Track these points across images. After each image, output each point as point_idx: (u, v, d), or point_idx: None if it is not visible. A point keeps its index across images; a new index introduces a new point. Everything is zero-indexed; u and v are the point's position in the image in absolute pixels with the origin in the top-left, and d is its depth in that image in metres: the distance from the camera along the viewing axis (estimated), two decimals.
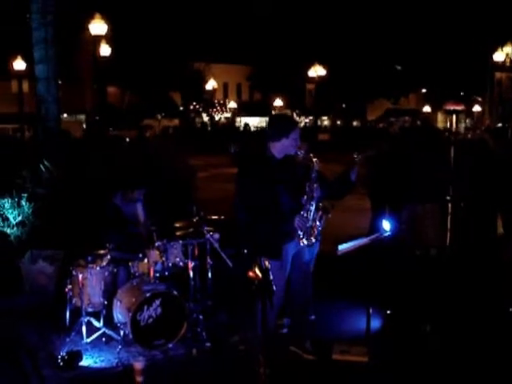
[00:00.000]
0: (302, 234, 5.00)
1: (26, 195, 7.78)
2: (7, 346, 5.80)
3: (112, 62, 25.95)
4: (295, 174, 5.09)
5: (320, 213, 5.07)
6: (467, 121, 54.51)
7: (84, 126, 36.97)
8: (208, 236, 5.97)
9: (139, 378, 4.93)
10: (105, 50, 19.86)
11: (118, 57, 30.14)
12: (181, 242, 6.03)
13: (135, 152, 10.08)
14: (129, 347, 5.54)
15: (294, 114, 58.70)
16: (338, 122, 57.18)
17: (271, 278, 3.62)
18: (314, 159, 5.02)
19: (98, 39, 18.58)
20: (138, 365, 4.97)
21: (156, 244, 5.91)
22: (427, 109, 51.93)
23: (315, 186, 5.02)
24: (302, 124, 57.11)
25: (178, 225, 6.19)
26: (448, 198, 8.83)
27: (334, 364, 5.32)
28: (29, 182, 7.91)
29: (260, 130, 42.56)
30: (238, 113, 56.47)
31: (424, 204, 8.93)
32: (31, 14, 9.41)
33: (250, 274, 3.56)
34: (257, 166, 5.10)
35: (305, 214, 4.99)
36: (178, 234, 6.13)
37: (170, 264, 5.97)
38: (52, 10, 9.38)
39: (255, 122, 54.23)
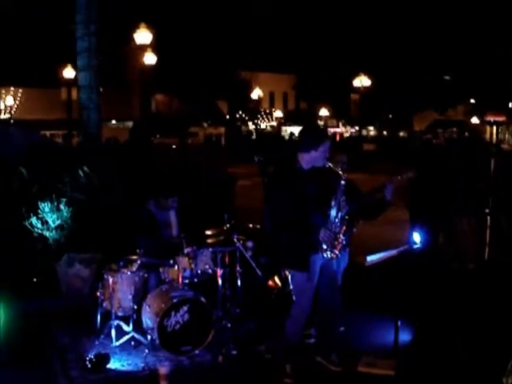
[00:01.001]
0: (326, 246, 4.97)
1: (64, 200, 7.96)
2: (38, 345, 5.95)
3: (159, 70, 26.38)
4: (322, 186, 5.07)
5: (345, 226, 5.04)
6: None
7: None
8: (238, 244, 6.01)
9: (163, 383, 5.01)
10: (150, 58, 20.18)
11: (164, 65, 30.62)
12: (210, 249, 6.07)
13: (173, 159, 10.23)
14: (156, 352, 5.61)
15: (340, 124, 58.60)
16: (385, 133, 56.64)
17: (291, 287, 3.65)
18: (341, 172, 4.99)
19: (143, 48, 18.91)
20: (164, 370, 5.06)
21: (185, 251, 5.97)
22: (475, 120, 50.96)
23: (342, 199, 4.99)
24: (348, 134, 56.87)
25: (209, 232, 6.26)
26: (487, 210, 8.67)
27: (360, 376, 5.27)
28: (68, 187, 8.08)
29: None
30: (283, 122, 56.52)
31: (463, 217, 8.81)
32: (76, 25, 9.67)
33: (270, 283, 3.59)
34: (285, 177, 5.11)
35: (330, 227, 4.96)
36: (208, 241, 6.20)
37: (199, 271, 6.03)
38: (95, 20, 9.64)
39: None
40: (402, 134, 55.31)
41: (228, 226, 6.09)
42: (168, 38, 32.23)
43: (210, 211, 7.76)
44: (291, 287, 4.41)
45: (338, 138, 56.84)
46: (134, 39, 18.62)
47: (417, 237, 5.58)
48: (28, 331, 6.30)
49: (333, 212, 4.97)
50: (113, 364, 5.44)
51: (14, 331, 6.13)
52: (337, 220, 4.98)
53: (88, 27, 9.55)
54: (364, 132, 56.36)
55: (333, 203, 4.98)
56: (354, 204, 5.40)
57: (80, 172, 8.19)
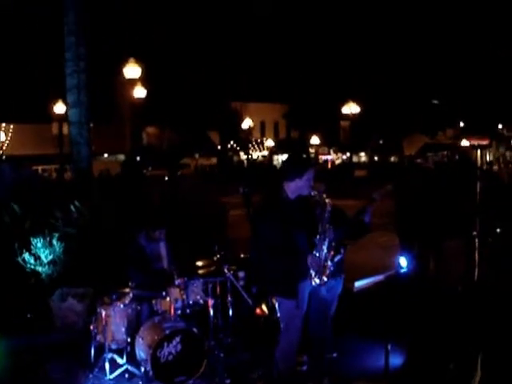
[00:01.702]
0: (314, 273, 5.05)
1: (57, 235, 8.04)
2: (32, 380, 5.98)
3: (149, 103, 26.61)
4: (309, 214, 5.17)
5: (332, 252, 5.12)
6: (507, 154, 53.86)
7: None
8: (228, 274, 6.09)
9: None
10: (140, 92, 20.42)
11: (155, 97, 30.89)
12: (201, 280, 6.15)
13: (164, 191, 10.34)
14: (151, 383, 5.64)
15: (331, 151, 58.98)
16: (376, 158, 57.05)
17: (278, 315, 3.72)
18: (327, 200, 5.09)
19: (132, 82, 19.15)
20: None
21: (176, 282, 6.04)
22: (465, 143, 51.48)
23: (327, 226, 5.08)
24: (339, 161, 57.19)
25: (199, 263, 6.35)
26: (474, 233, 8.78)
27: None
28: (60, 222, 8.17)
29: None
30: (275, 151, 56.86)
31: (451, 239, 8.92)
32: (65, 62, 9.84)
33: (257, 311, 3.66)
34: (271, 207, 5.21)
35: (317, 254, 5.04)
36: (199, 272, 6.29)
37: (191, 302, 6.11)
38: (84, 57, 9.81)
39: None
40: (392, 159, 55.73)
41: (218, 256, 6.17)
42: (158, 71, 32.61)
43: (201, 242, 7.83)
44: (278, 315, 4.48)
45: (329, 165, 57.17)
46: (123, 74, 18.89)
47: (403, 261, 5.67)
48: (21, 367, 6.33)
49: (320, 239, 5.06)
50: None
51: (7, 367, 6.18)
52: (324, 247, 5.06)
53: (77, 65, 9.73)
54: (355, 158, 56.75)
55: (319, 230, 5.07)
56: (342, 230, 5.51)
57: (72, 207, 8.27)
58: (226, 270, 6.07)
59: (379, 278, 5.49)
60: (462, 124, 51.83)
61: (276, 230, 5.03)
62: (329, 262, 5.07)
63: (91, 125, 10.56)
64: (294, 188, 5.16)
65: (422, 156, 50.98)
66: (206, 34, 38.46)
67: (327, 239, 5.07)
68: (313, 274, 5.02)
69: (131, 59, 18.45)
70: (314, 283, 5.07)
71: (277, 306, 4.72)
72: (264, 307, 3.94)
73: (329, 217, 5.09)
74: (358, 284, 5.35)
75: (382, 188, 5.97)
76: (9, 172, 10.19)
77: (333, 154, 58.75)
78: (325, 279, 5.06)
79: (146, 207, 8.55)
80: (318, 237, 5.05)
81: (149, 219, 7.00)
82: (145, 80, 21.85)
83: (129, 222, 7.59)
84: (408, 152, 55.15)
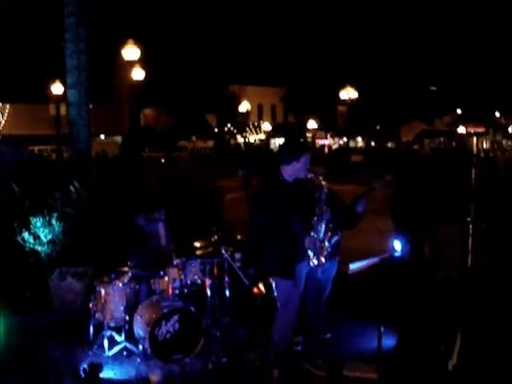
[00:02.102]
0: (312, 254, 5.16)
1: (56, 215, 8.11)
2: (33, 357, 6.08)
3: (148, 85, 26.55)
4: (306, 196, 5.27)
5: (329, 234, 5.23)
6: (503, 142, 53.92)
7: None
8: (226, 255, 6.20)
9: None
10: (138, 73, 20.39)
11: (153, 79, 30.82)
12: (199, 260, 6.26)
13: (161, 173, 10.39)
14: (148, 361, 5.76)
15: (328, 136, 58.99)
16: (373, 144, 57.10)
17: (275, 294, 3.83)
18: (323, 182, 5.19)
19: (131, 64, 19.13)
20: (155, 377, 5.23)
21: (174, 262, 6.15)
22: (462, 130, 51.56)
23: (324, 208, 5.19)
24: (336, 145, 57.20)
25: (197, 244, 6.45)
26: (469, 219, 8.88)
27: (345, 380, 5.44)
28: (59, 202, 8.24)
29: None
30: (272, 135, 56.87)
31: (446, 226, 9.01)
32: (65, 43, 9.86)
33: (255, 290, 3.76)
34: (268, 190, 5.31)
35: (314, 235, 5.15)
36: (197, 252, 6.39)
37: (189, 281, 6.21)
38: (84, 38, 9.83)
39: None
40: (389, 144, 55.80)
41: (216, 237, 6.28)
42: (156, 53, 32.51)
43: (199, 223, 7.92)
44: (275, 294, 4.59)
45: (326, 149, 57.19)
46: (122, 55, 18.87)
47: (397, 244, 5.78)
48: (21, 345, 6.42)
49: (317, 220, 5.16)
50: (106, 373, 5.59)
51: (7, 345, 6.28)
52: (321, 228, 5.17)
53: (77, 45, 9.76)
54: (352, 143, 56.76)
55: (316, 212, 5.17)
56: (339, 215, 5.61)
57: (71, 187, 8.34)
58: (223, 251, 6.19)
59: (373, 260, 5.60)
60: (459, 111, 51.85)
61: (274, 213, 5.13)
62: (326, 243, 5.17)
63: (90, 106, 10.59)
64: (291, 171, 5.27)
65: (419, 142, 51.08)
66: (205, 17, 38.31)
67: (324, 221, 5.18)
68: (311, 256, 5.13)
69: (130, 41, 18.44)
70: (312, 264, 5.18)
71: (274, 286, 4.84)
72: (261, 286, 4.05)
73: (325, 199, 5.19)
74: (353, 266, 5.46)
75: (382, 178, 6.04)
76: (8, 152, 10.22)
77: (330, 138, 58.79)
78: (323, 260, 5.17)
79: (145, 189, 8.62)
80: (315, 218, 5.16)
81: (147, 201, 7.08)
82: (143, 62, 21.84)
83: (127, 203, 7.66)
84: (405, 138, 55.26)
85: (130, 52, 18.44)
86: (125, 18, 27.52)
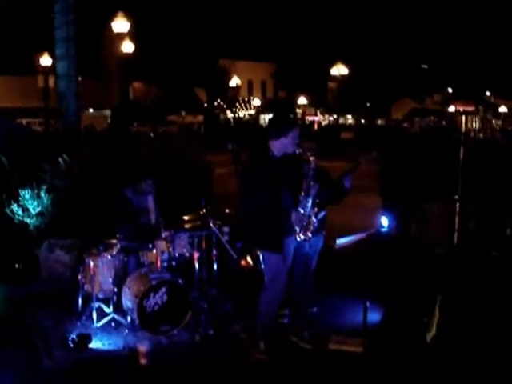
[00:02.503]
0: (298, 229, 5.21)
1: (45, 187, 8.11)
2: (23, 330, 6.14)
3: (137, 58, 26.30)
4: (294, 171, 5.31)
5: (316, 209, 5.28)
6: (493, 121, 54.03)
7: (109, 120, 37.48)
8: (214, 228, 6.24)
9: (143, 361, 5.25)
10: (128, 46, 20.22)
11: (143, 52, 30.52)
12: (187, 233, 6.30)
13: (149, 147, 10.37)
14: (136, 332, 5.83)
15: (318, 113, 58.89)
16: (363, 121, 57.11)
17: (262, 266, 3.88)
18: (311, 158, 5.23)
19: (120, 36, 18.98)
20: (142, 348, 5.29)
21: (163, 235, 6.19)
22: (452, 109, 51.61)
23: (312, 183, 5.23)
24: (326, 122, 57.15)
25: (186, 217, 6.49)
26: (456, 197, 8.96)
27: (330, 353, 5.54)
28: (48, 175, 8.23)
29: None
30: (262, 110, 56.68)
31: (433, 203, 9.09)
32: (54, 14, 9.77)
33: (242, 262, 3.82)
34: (257, 164, 5.34)
35: (301, 210, 5.20)
36: (185, 225, 6.43)
37: (177, 254, 6.26)
38: (73, 10, 9.74)
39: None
40: (379, 122, 55.84)
41: (204, 211, 6.32)
42: (146, 26, 32.16)
43: (188, 197, 7.94)
44: (263, 267, 4.63)
45: (316, 126, 57.06)
46: (111, 28, 18.70)
47: (384, 220, 5.85)
48: (11, 315, 6.49)
49: (304, 195, 5.21)
50: (94, 344, 5.66)
51: None
52: (308, 203, 5.22)
53: (66, 16, 9.67)
54: (342, 120, 56.72)
55: (304, 187, 5.22)
56: (326, 190, 5.66)
57: (60, 160, 8.33)
58: (211, 224, 6.23)
59: (360, 235, 5.67)
60: (450, 90, 51.89)
61: (263, 188, 5.18)
62: (313, 218, 5.23)
63: (79, 79, 10.52)
64: (280, 146, 5.30)
65: (409, 120, 51.14)
66: None
67: (311, 196, 5.23)
68: (297, 230, 5.19)
69: (120, 13, 18.27)
70: (298, 239, 5.24)
71: (261, 260, 4.90)
72: (249, 259, 4.11)
73: (313, 174, 5.24)
74: (340, 241, 5.53)
75: (368, 154, 6.10)
76: None
77: (320, 115, 58.71)
78: (309, 235, 5.23)
79: (132, 161, 8.62)
80: (302, 194, 5.21)
81: (134, 172, 7.09)
82: (133, 35, 21.64)
83: (115, 176, 7.66)
84: (395, 116, 55.34)
85: (120, 24, 18.29)
86: None
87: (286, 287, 5.48)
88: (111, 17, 18.79)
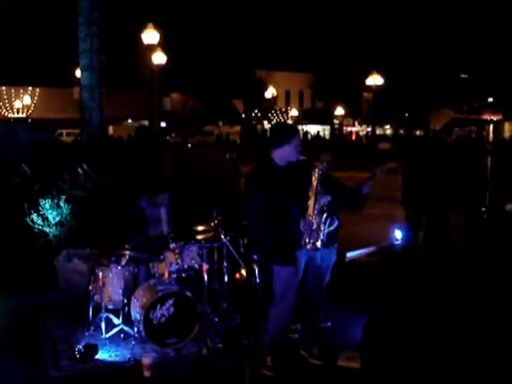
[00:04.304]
0: (307, 237, 5.09)
1: (64, 197, 8.18)
2: (33, 337, 6.17)
3: (174, 69, 26.43)
4: (299, 180, 5.20)
5: (325, 216, 5.15)
6: None
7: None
8: (225, 240, 6.17)
9: (147, 373, 5.20)
10: (159, 58, 20.38)
11: (179, 64, 30.78)
12: (196, 244, 6.24)
13: (178, 158, 10.39)
14: (144, 344, 5.78)
15: (356, 123, 58.53)
16: (401, 131, 56.42)
17: (257, 280, 3.77)
18: (316, 164, 5.12)
19: (151, 48, 19.16)
20: (147, 360, 5.24)
21: (171, 246, 6.13)
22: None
23: (319, 190, 5.11)
24: (364, 133, 56.72)
25: (197, 228, 6.43)
26: (483, 209, 8.74)
27: (338, 370, 5.39)
28: (67, 184, 8.30)
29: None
30: (299, 120, 56.61)
31: (458, 214, 8.83)
32: (78, 26, 9.90)
33: (237, 275, 3.72)
34: (263, 174, 5.24)
35: (310, 218, 5.09)
36: (197, 237, 6.37)
37: (186, 266, 6.19)
38: (97, 21, 9.85)
39: (316, 130, 54.37)
40: (418, 132, 55.02)
41: (216, 221, 6.25)
42: (182, 37, 32.51)
43: (204, 208, 7.88)
44: (258, 280, 4.52)
45: (353, 136, 56.72)
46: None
47: (398, 234, 5.71)
48: (24, 324, 6.52)
49: (311, 203, 5.09)
50: (101, 355, 5.63)
51: (11, 324, 6.38)
52: (315, 211, 5.09)
53: (90, 28, 9.79)
54: (380, 131, 56.19)
55: (310, 194, 5.10)
56: (340, 198, 5.55)
57: (79, 169, 8.39)
58: (222, 236, 6.16)
59: (371, 249, 5.57)
60: (490, 100, 50.77)
61: (269, 199, 5.07)
62: (322, 227, 5.09)
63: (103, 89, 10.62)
64: (283, 154, 5.19)
65: (448, 131, 50.16)
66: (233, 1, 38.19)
67: (318, 203, 5.10)
68: (306, 239, 5.06)
69: (149, 24, 18.44)
70: (308, 247, 5.09)
71: (274, 273, 4.78)
72: (243, 272, 4.01)
73: (319, 180, 5.11)
74: (350, 255, 5.44)
75: (386, 164, 5.96)
76: (24, 134, 10.33)
77: (357, 125, 58.30)
78: (318, 244, 5.08)
79: (152, 172, 8.63)
80: (309, 201, 5.09)
81: (152, 184, 7.06)
82: (167, 46, 21.85)
83: (133, 186, 7.67)
84: (435, 126, 54.40)
85: (150, 35, 18.47)
86: (147, 1, 27.55)
87: (296, 302, 5.35)
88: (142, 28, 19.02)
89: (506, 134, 45.38)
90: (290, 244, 5.15)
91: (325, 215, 5.17)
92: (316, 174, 5.08)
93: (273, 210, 5.05)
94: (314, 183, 5.08)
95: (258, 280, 4.06)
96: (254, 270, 4.14)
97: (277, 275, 5.21)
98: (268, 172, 5.18)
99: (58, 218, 8.18)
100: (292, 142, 5.13)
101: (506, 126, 50.32)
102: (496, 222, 8.68)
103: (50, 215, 8.18)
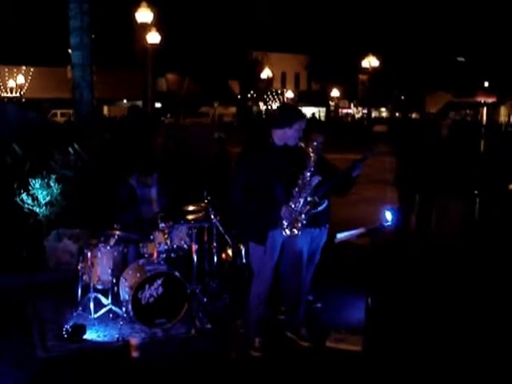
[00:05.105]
0: (286, 224, 5.03)
1: (54, 176, 8.11)
2: (22, 316, 6.14)
3: (169, 50, 26.15)
4: (292, 164, 5.13)
5: (308, 207, 5.07)
6: None
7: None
8: (214, 220, 6.13)
9: (135, 353, 5.19)
10: (154, 37, 20.18)
11: (174, 44, 30.50)
12: (185, 225, 6.19)
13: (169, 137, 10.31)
14: (133, 324, 5.75)
15: (352, 105, 58.36)
16: (397, 114, 56.31)
17: (243, 260, 3.74)
18: (312, 153, 5.03)
19: (145, 27, 18.99)
20: (135, 340, 5.23)
21: (160, 226, 6.09)
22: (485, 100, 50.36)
23: (309, 179, 5.02)
24: (360, 115, 56.59)
25: (187, 208, 6.39)
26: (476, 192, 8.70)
27: (327, 351, 5.37)
28: (58, 164, 8.23)
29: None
30: (295, 102, 56.39)
31: (452, 198, 8.80)
32: (69, 3, 9.77)
33: (222, 255, 3.68)
34: (255, 151, 5.19)
35: (292, 205, 5.01)
36: (187, 217, 6.33)
37: (175, 246, 6.16)
38: None
39: (312, 111, 54.23)
40: (414, 115, 54.96)
41: (205, 201, 6.21)
42: (178, 17, 32.20)
43: (198, 189, 7.83)
44: (244, 261, 4.49)
45: (349, 119, 56.52)
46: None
47: (388, 215, 5.66)
48: (13, 304, 6.50)
49: (297, 191, 5.03)
50: (89, 335, 5.60)
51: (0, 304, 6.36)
52: (301, 200, 5.01)
53: (81, 6, 9.65)
54: (376, 113, 56.07)
55: (299, 182, 5.04)
56: (330, 180, 5.48)
57: (70, 149, 8.32)
58: (212, 216, 6.12)
59: (361, 230, 5.51)
60: (486, 84, 50.64)
61: (256, 174, 5.01)
62: (302, 216, 5.01)
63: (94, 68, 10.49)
64: (282, 135, 5.12)
65: (443, 114, 50.08)
66: None
67: (306, 193, 5.03)
68: (285, 225, 5.01)
69: (143, 3, 18.27)
70: (284, 234, 5.04)
71: (249, 251, 4.73)
72: (229, 252, 3.98)
73: (311, 170, 5.02)
74: (340, 236, 5.38)
75: (375, 147, 5.92)
76: (14, 113, 10.22)
77: (353, 107, 58.15)
78: (295, 232, 5.01)
79: (143, 152, 8.55)
80: (296, 189, 5.02)
81: (142, 164, 6.99)
82: (161, 25, 21.63)
83: (124, 166, 7.60)
84: (431, 109, 54.28)
85: (143, 15, 18.30)
86: None
87: (271, 281, 5.29)
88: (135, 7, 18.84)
89: (502, 118, 45.41)
90: (264, 224, 5.07)
91: (308, 206, 5.07)
92: (311, 162, 4.99)
93: (256, 186, 4.98)
94: (306, 172, 4.99)
95: (244, 260, 4.04)
96: (241, 251, 4.11)
97: (251, 253, 5.22)
98: (261, 151, 5.12)
99: (48, 198, 8.11)
100: (293, 126, 5.04)
101: (502, 109, 50.31)
102: (498, 202, 8.65)
103: (40, 195, 8.10)
